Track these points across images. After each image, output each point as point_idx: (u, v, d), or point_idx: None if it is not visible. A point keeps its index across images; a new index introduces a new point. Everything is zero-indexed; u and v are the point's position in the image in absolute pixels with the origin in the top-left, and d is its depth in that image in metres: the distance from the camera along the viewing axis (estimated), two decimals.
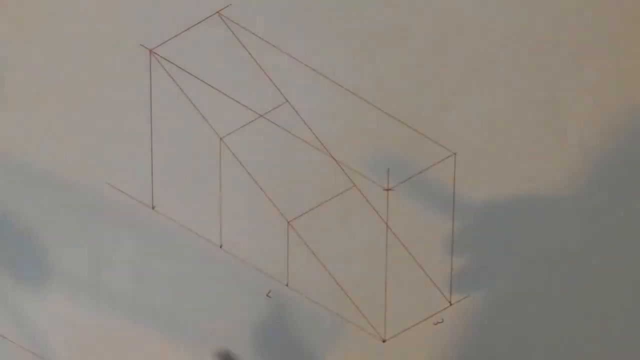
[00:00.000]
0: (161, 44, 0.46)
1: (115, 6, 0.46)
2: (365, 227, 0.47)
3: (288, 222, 0.47)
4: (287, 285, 0.47)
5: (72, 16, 0.46)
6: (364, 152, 0.47)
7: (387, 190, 0.47)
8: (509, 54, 0.47)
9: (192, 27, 0.46)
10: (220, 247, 0.47)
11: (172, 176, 0.47)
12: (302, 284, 0.47)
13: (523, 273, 0.47)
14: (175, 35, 0.46)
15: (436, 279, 0.47)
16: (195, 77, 0.46)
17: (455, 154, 0.47)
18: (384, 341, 0.48)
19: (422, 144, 0.47)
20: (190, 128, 0.46)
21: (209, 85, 0.46)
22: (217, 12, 0.46)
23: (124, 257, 0.47)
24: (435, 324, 0.48)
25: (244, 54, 0.46)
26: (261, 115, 0.47)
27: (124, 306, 0.47)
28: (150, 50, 0.46)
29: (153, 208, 0.47)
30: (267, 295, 0.47)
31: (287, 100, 0.47)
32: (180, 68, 0.46)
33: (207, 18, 0.46)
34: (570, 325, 0.48)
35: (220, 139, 0.47)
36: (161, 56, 0.46)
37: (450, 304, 0.47)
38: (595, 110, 0.47)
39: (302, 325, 0.48)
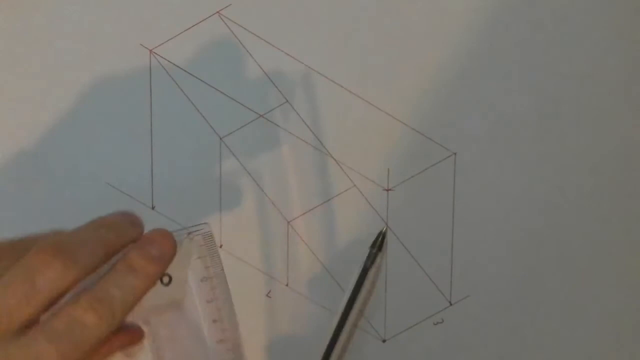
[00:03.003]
0: (161, 44, 0.46)
1: (115, 6, 0.46)
2: (365, 227, 0.47)
3: (288, 222, 0.47)
4: (287, 285, 0.47)
5: (72, 16, 0.46)
6: (364, 152, 0.47)
7: (387, 190, 0.47)
8: (509, 54, 0.47)
9: (192, 27, 0.46)
10: (221, 247, 0.47)
11: (172, 176, 0.47)
12: (302, 284, 0.47)
13: (523, 273, 0.47)
14: (175, 35, 0.46)
15: (436, 279, 0.47)
16: (195, 77, 0.46)
17: (455, 154, 0.47)
18: (384, 341, 0.48)
19: (422, 144, 0.47)
20: (190, 128, 0.46)
21: (209, 85, 0.46)
22: (217, 12, 0.46)
23: None
24: (435, 324, 0.48)
25: (244, 54, 0.46)
26: (261, 115, 0.47)
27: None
28: (150, 50, 0.46)
29: (153, 208, 0.47)
30: (267, 295, 0.47)
31: (287, 100, 0.47)
32: (181, 68, 0.46)
33: (207, 18, 0.46)
34: (571, 325, 0.48)
35: (220, 139, 0.47)
36: (161, 56, 0.46)
37: (450, 304, 0.47)
38: (596, 110, 0.47)
39: (302, 325, 0.48)
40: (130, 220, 0.36)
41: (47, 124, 0.46)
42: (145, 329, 0.38)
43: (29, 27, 0.46)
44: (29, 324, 0.33)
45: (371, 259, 0.42)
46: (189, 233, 0.38)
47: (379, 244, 0.44)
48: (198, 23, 0.46)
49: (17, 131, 0.46)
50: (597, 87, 0.47)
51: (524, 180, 0.47)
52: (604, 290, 0.48)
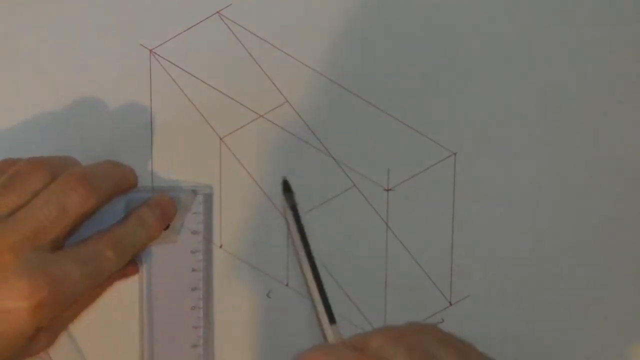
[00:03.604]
0: (161, 44, 0.46)
1: (115, 6, 0.46)
2: (365, 227, 0.47)
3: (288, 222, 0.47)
4: (287, 285, 0.47)
5: (72, 16, 0.46)
6: (364, 152, 0.47)
7: (387, 190, 0.47)
8: (509, 54, 0.47)
9: (192, 27, 0.46)
10: (221, 247, 0.47)
11: (172, 176, 0.47)
12: (302, 284, 0.47)
13: (523, 273, 0.47)
14: (175, 35, 0.46)
15: (436, 279, 0.47)
16: (195, 77, 0.46)
17: (455, 154, 0.47)
18: None
19: (422, 144, 0.47)
20: (190, 128, 0.46)
21: (209, 85, 0.46)
22: (217, 12, 0.46)
23: None
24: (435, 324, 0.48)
25: (244, 54, 0.46)
26: (261, 116, 0.47)
27: (124, 305, 0.47)
28: (150, 50, 0.46)
29: None
30: (267, 295, 0.47)
31: (287, 100, 0.47)
32: (180, 68, 0.46)
33: (207, 18, 0.46)
34: (570, 325, 0.48)
35: (220, 139, 0.47)
36: (161, 56, 0.46)
37: (450, 304, 0.47)
38: (597, 110, 0.47)
39: (302, 325, 0.48)
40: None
41: (46, 124, 0.46)
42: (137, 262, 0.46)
43: (29, 27, 0.46)
44: (54, 244, 0.40)
45: (290, 201, 0.43)
46: (193, 190, 0.46)
47: (287, 188, 0.44)
48: (198, 23, 0.46)
49: (16, 131, 0.46)
50: (598, 86, 0.47)
51: (524, 180, 0.47)
52: (604, 290, 0.48)
